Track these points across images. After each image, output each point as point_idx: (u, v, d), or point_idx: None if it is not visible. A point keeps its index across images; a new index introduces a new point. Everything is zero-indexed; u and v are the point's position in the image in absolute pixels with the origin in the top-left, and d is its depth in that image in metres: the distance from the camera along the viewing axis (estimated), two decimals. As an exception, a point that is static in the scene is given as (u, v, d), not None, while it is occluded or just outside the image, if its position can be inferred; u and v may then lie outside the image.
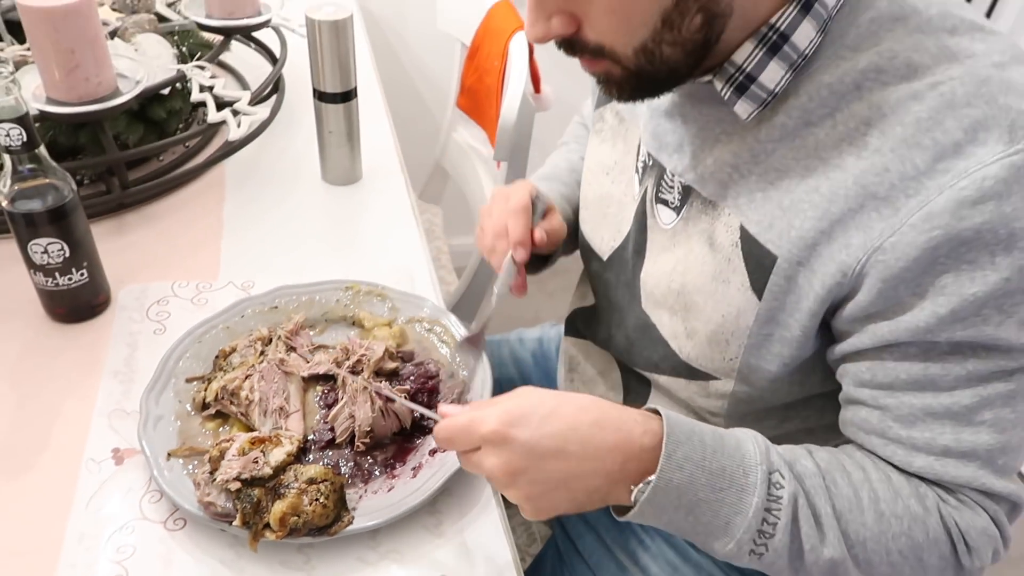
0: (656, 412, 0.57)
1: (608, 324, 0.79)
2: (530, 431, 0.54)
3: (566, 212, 0.85)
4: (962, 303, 0.51)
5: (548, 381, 1.01)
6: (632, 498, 0.55)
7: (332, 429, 0.68)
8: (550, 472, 0.54)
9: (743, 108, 0.58)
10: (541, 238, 0.75)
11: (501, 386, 0.59)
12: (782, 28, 0.54)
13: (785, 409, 0.71)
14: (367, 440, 0.67)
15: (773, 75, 0.56)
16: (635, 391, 0.80)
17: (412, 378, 0.73)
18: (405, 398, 0.69)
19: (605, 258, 0.77)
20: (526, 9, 0.57)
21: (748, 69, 0.56)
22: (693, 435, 0.55)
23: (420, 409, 0.67)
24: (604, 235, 0.77)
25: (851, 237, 0.54)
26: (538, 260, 0.84)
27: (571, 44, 0.57)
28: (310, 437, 0.68)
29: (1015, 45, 0.55)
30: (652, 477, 0.54)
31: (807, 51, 0.55)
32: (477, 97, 1.35)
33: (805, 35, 0.54)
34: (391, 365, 0.74)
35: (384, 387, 0.69)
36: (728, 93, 0.58)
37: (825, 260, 0.55)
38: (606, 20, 0.55)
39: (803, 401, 0.67)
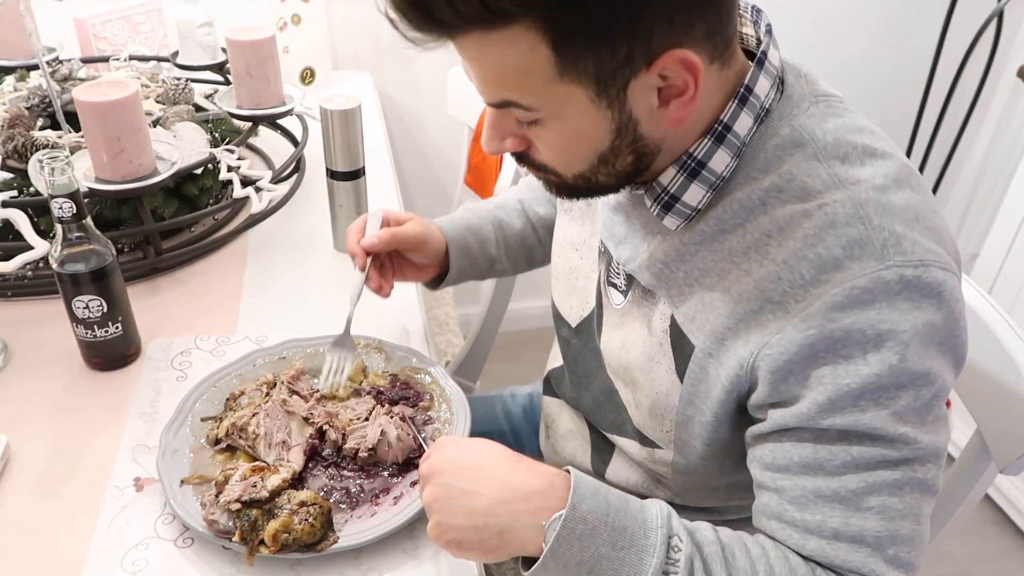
0: (567, 471, 0.61)
1: (577, 386, 0.87)
2: (459, 446, 0.64)
3: (461, 235, 0.94)
4: (838, 393, 0.58)
5: (535, 435, 1.09)
6: (543, 536, 0.58)
7: (344, 436, 0.78)
8: (458, 479, 0.61)
9: (671, 222, 0.67)
10: (369, 243, 0.86)
11: (492, 438, 0.66)
12: (699, 156, 0.63)
13: (728, 490, 0.77)
14: (366, 456, 0.76)
15: (695, 195, 0.65)
16: (600, 449, 0.87)
17: (395, 388, 0.85)
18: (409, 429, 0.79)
19: (574, 325, 0.86)
20: (483, 126, 0.66)
21: (672, 190, 0.65)
22: (599, 493, 0.59)
23: (422, 443, 0.78)
24: (573, 305, 0.85)
25: (751, 334, 0.61)
26: (433, 281, 0.96)
27: (520, 157, 0.67)
28: (325, 452, 0.78)
29: (903, 166, 0.62)
30: (562, 511, 0.57)
31: (724, 173, 0.64)
32: (481, 174, 1.47)
33: (721, 161, 0.63)
34: (381, 381, 0.86)
35: (406, 412, 0.81)
36: (656, 210, 0.67)
37: (730, 354, 0.63)
38: (551, 152, 0.64)
39: (745, 485, 0.69)
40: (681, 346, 0.67)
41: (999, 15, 1.88)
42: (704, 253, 0.66)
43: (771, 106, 0.64)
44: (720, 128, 0.62)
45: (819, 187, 0.61)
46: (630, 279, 0.73)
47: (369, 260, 0.86)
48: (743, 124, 0.63)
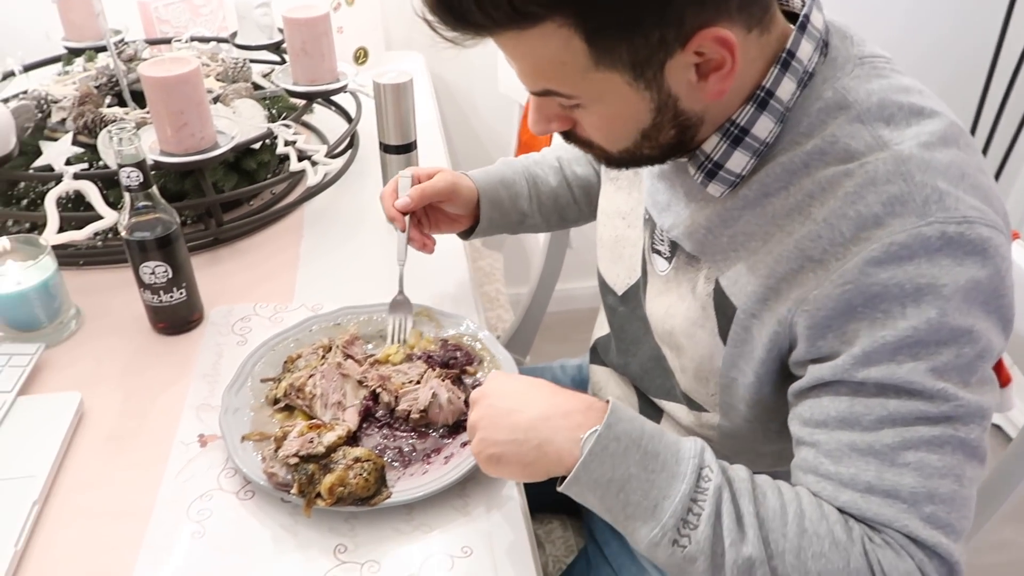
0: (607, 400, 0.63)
1: (624, 353, 0.88)
2: (506, 376, 0.69)
3: (493, 188, 0.96)
4: (874, 346, 0.57)
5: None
6: (579, 450, 0.60)
7: (396, 399, 0.80)
8: (503, 399, 0.66)
9: (715, 189, 0.67)
10: (403, 204, 0.89)
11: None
12: (742, 123, 0.63)
13: (774, 457, 0.77)
14: (418, 417, 0.78)
15: (738, 162, 0.65)
16: (648, 415, 0.86)
17: (446, 351, 0.88)
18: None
19: (620, 293, 0.86)
20: (529, 110, 0.67)
21: (715, 158, 0.65)
22: (636, 419, 0.62)
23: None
24: (620, 273, 0.86)
25: (791, 293, 0.61)
26: (467, 231, 0.97)
27: (567, 135, 0.68)
28: (378, 414, 0.81)
29: (951, 125, 0.61)
30: (598, 427, 0.60)
31: (768, 139, 0.63)
32: (532, 151, 1.47)
33: (764, 127, 0.63)
34: (432, 346, 0.89)
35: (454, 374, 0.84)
36: (700, 177, 0.67)
37: (771, 313, 0.63)
38: (595, 132, 0.65)
39: (792, 453, 0.68)
40: (724, 309, 0.68)
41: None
42: (748, 217, 0.66)
43: (814, 69, 0.63)
44: (762, 94, 0.62)
45: (862, 149, 0.60)
46: (674, 246, 0.74)
47: (407, 220, 0.89)
48: (786, 89, 0.62)
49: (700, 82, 0.60)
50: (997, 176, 2.10)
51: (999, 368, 0.92)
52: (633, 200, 0.83)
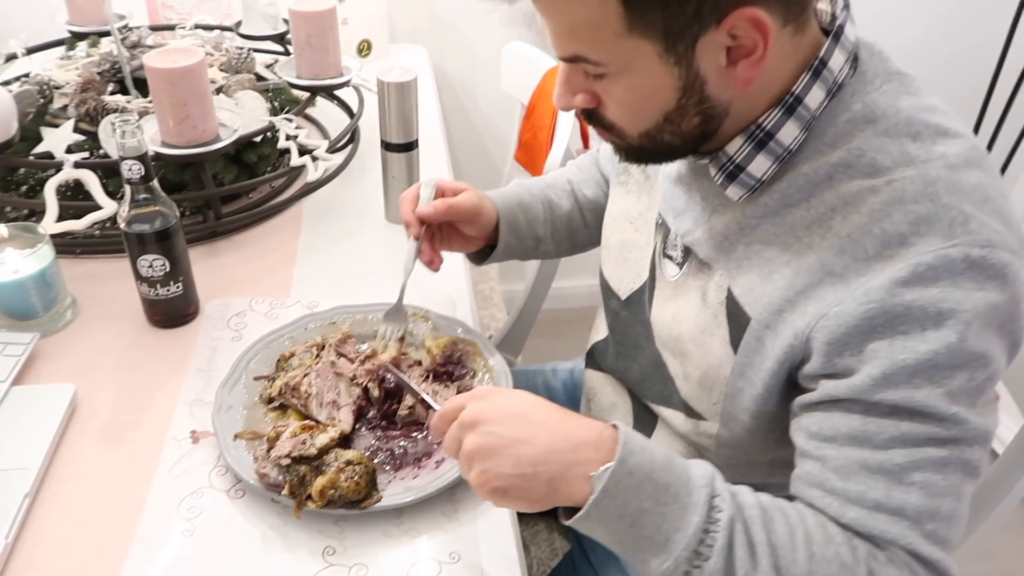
0: (614, 427, 0.61)
1: (624, 358, 0.88)
2: (499, 396, 0.64)
3: (512, 211, 0.93)
4: (894, 368, 0.57)
5: (574, 409, 1.10)
6: (590, 485, 0.58)
7: (386, 396, 0.82)
8: (506, 428, 0.60)
9: (734, 192, 0.67)
10: (425, 213, 0.85)
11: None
12: (768, 127, 0.64)
13: (769, 466, 0.77)
14: (405, 414, 0.80)
15: (760, 166, 0.65)
16: (643, 421, 0.88)
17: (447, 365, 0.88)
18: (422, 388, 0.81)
19: (624, 298, 0.86)
20: (556, 81, 0.68)
21: (738, 160, 0.66)
22: (646, 449, 0.60)
23: (426, 398, 0.78)
24: (624, 277, 0.86)
25: (808, 306, 0.61)
26: (478, 255, 0.95)
27: (589, 115, 0.68)
28: (369, 415, 0.81)
29: (974, 148, 0.62)
30: (610, 464, 0.57)
31: (792, 146, 0.64)
32: (532, 151, 1.48)
33: (789, 133, 0.63)
34: (436, 351, 0.89)
35: (398, 373, 0.83)
36: (720, 179, 0.68)
37: (787, 325, 0.63)
38: (619, 108, 0.65)
39: (786, 462, 0.68)
40: (737, 318, 0.68)
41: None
42: (766, 227, 0.66)
43: (844, 81, 0.64)
44: (791, 100, 0.63)
45: (888, 164, 0.61)
46: (687, 251, 0.74)
47: (423, 230, 0.86)
48: (815, 97, 0.63)
49: (729, 68, 0.60)
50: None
51: (988, 388, 0.93)
52: (643, 204, 0.83)
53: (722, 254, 0.70)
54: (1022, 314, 0.60)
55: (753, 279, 0.66)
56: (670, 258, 0.77)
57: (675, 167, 0.76)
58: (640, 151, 0.68)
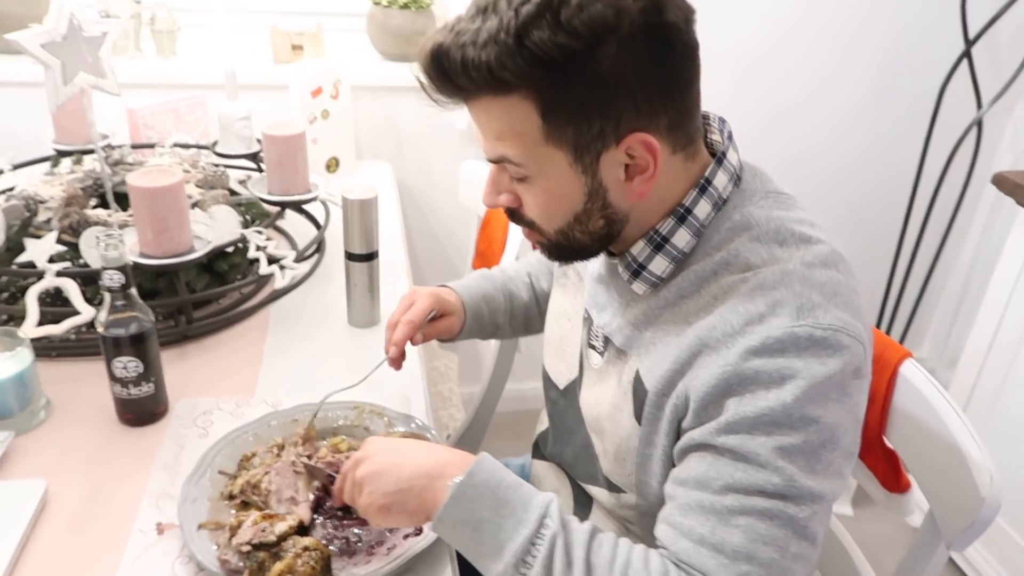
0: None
1: (561, 442, 0.97)
2: (384, 438, 0.78)
3: (478, 307, 1.06)
4: (737, 417, 0.68)
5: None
6: (448, 492, 0.70)
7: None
8: (388, 456, 0.75)
9: (639, 287, 0.79)
10: (417, 340, 0.99)
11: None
12: (664, 232, 0.77)
13: None
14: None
15: (659, 265, 0.77)
16: (582, 504, 0.95)
17: None
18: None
19: (562, 387, 0.96)
20: (486, 184, 0.80)
21: (640, 260, 0.78)
22: (498, 472, 0.71)
23: (329, 472, 0.88)
24: (562, 368, 0.96)
25: (689, 372, 0.73)
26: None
27: (512, 214, 0.80)
28: (327, 505, 0.87)
29: (832, 252, 0.74)
30: (461, 476, 0.70)
31: (685, 249, 0.76)
32: (487, 260, 1.59)
33: (682, 238, 0.76)
34: None
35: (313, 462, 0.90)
36: (627, 276, 0.80)
37: (674, 389, 0.74)
38: (536, 207, 0.78)
39: None
40: (639, 393, 0.78)
41: (979, 124, 2.02)
42: (666, 315, 0.77)
43: (728, 197, 0.77)
44: (682, 211, 0.75)
45: (758, 263, 0.73)
46: (607, 341, 0.84)
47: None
48: (702, 209, 0.76)
49: (627, 182, 0.73)
50: (920, 295, 2.27)
51: (898, 475, 1.01)
52: (577, 303, 0.94)
53: (633, 341, 0.80)
54: (856, 390, 0.70)
55: (655, 360, 0.77)
56: (594, 348, 0.87)
57: (597, 268, 0.87)
58: (558, 248, 0.80)
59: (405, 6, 1.80)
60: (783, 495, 0.67)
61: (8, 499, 0.85)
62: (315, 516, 0.86)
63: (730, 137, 0.79)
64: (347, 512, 0.86)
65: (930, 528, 0.89)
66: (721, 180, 0.77)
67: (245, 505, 0.87)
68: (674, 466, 0.75)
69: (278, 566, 0.75)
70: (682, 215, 0.76)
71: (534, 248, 0.85)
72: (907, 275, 2.22)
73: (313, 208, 1.46)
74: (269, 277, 1.25)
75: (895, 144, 2.12)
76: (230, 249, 1.23)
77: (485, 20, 0.67)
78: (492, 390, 1.53)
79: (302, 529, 0.82)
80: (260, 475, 0.88)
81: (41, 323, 1.04)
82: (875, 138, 2.12)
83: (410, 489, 0.72)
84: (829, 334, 0.68)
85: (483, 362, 1.63)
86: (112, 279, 0.91)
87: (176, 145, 1.51)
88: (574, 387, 0.93)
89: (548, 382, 0.99)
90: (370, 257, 1.19)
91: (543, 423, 1.02)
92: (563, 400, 0.95)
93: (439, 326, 1.03)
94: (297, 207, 1.40)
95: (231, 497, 0.88)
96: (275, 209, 1.35)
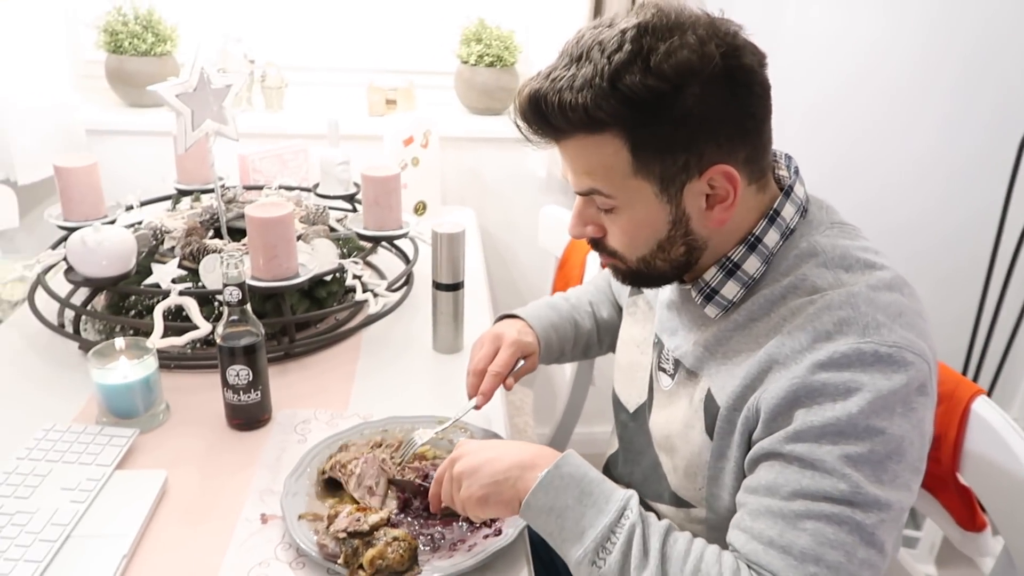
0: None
1: (630, 463, 1.01)
2: (476, 440, 0.85)
3: (549, 337, 1.11)
4: (804, 426, 0.72)
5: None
6: (536, 480, 0.76)
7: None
8: (482, 453, 0.82)
9: (711, 311, 0.85)
10: (509, 384, 1.06)
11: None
12: (735, 259, 0.82)
13: None
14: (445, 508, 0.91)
15: (731, 290, 0.83)
16: None
17: None
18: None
19: (632, 411, 1.01)
20: (571, 215, 0.87)
21: (713, 285, 0.84)
22: (583, 466, 0.78)
23: (419, 481, 0.95)
24: (632, 393, 1.01)
25: (759, 387, 0.77)
26: None
27: (596, 243, 0.87)
28: (414, 506, 0.94)
29: (896, 277, 0.79)
30: (550, 467, 0.77)
31: (755, 275, 0.82)
32: (563, 298, 1.66)
33: (752, 265, 0.82)
34: None
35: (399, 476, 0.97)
36: (700, 300, 0.85)
37: (747, 404, 0.78)
38: (621, 237, 0.84)
39: None
40: (711, 409, 0.83)
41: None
42: (737, 337, 0.82)
43: (795, 226, 0.82)
44: (753, 239, 0.81)
45: (825, 286, 0.78)
46: (677, 364, 0.89)
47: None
48: (771, 238, 0.81)
49: (708, 210, 0.79)
50: (1007, 349, 2.21)
51: (973, 513, 1.02)
52: (646, 331, 0.99)
53: (704, 363, 0.85)
54: (921, 406, 0.73)
55: (726, 377, 0.81)
56: (664, 371, 0.93)
57: (668, 295, 0.93)
58: (637, 275, 0.86)
59: (491, 64, 1.94)
60: (849, 501, 0.70)
61: (134, 485, 0.95)
62: (403, 515, 0.93)
63: (796, 172, 0.85)
64: (432, 515, 0.93)
65: (1006, 566, 0.89)
66: (788, 211, 0.82)
67: (336, 495, 0.95)
68: (745, 478, 0.79)
69: (370, 552, 0.82)
70: (752, 243, 0.81)
71: (613, 276, 0.91)
72: (992, 326, 2.17)
73: (403, 244, 1.57)
74: (363, 304, 1.36)
75: (973, 185, 2.12)
76: (328, 278, 1.34)
77: (580, 68, 0.74)
78: (565, 425, 1.58)
79: (392, 524, 0.89)
80: (350, 458, 0.96)
81: (164, 336, 1.16)
82: (948, 183, 2.12)
83: (505, 480, 0.79)
84: (894, 351, 0.72)
85: (558, 400, 1.69)
86: (232, 294, 1.03)
87: (281, 187, 1.66)
88: (643, 410, 0.98)
89: (618, 405, 1.04)
90: (456, 287, 1.28)
91: (611, 446, 1.07)
92: (633, 423, 1.00)
93: (523, 371, 1.10)
94: (391, 241, 1.51)
95: (322, 473, 0.97)
96: (369, 244, 1.46)
